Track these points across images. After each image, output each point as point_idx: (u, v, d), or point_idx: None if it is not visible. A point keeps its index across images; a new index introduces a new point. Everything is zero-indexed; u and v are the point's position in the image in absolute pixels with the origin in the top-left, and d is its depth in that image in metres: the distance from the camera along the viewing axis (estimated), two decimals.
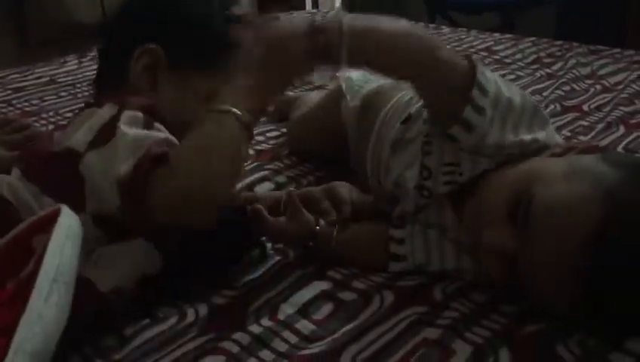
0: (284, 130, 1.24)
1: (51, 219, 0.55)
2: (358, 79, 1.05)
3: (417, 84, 0.78)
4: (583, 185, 0.64)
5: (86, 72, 1.66)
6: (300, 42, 0.70)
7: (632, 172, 0.66)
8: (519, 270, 0.67)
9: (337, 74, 1.06)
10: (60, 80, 1.60)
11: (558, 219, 0.64)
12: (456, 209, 0.79)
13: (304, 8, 3.30)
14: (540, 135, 0.76)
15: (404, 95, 0.92)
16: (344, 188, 0.87)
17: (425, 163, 0.80)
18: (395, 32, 0.74)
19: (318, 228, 0.82)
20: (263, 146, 1.18)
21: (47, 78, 1.61)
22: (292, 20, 0.73)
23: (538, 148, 0.76)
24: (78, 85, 1.54)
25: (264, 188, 1.03)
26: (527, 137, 0.75)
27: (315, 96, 1.23)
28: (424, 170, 0.80)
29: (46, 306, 0.49)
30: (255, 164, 1.11)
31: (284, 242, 0.85)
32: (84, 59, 1.75)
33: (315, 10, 2.70)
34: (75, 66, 1.70)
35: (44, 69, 1.67)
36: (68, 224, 0.54)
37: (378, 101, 0.96)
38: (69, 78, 1.61)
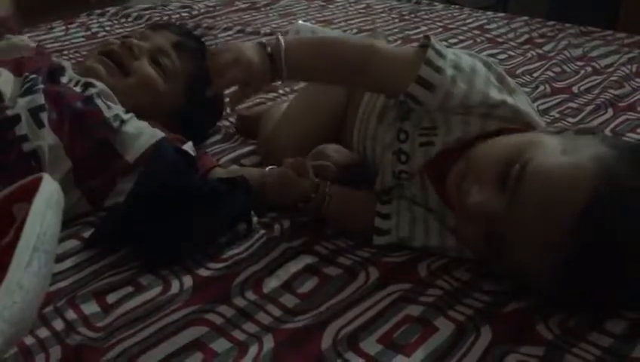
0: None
1: (32, 188, 0.54)
2: None
3: (364, 79, 0.80)
4: (581, 157, 0.64)
5: (73, 38, 1.63)
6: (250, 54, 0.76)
7: (630, 153, 0.65)
8: (502, 237, 0.66)
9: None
10: (47, 46, 1.57)
11: (550, 185, 0.63)
12: (438, 190, 0.79)
13: None
14: (510, 100, 0.75)
15: None
16: (330, 148, 0.88)
17: (402, 127, 0.81)
18: (326, 41, 0.82)
19: (317, 180, 0.83)
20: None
21: (34, 44, 1.58)
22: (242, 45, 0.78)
23: (513, 119, 0.75)
24: (65, 52, 1.51)
25: (252, 161, 1.03)
26: (497, 97, 0.75)
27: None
28: (401, 133, 0.81)
29: (26, 275, 0.49)
30: (243, 137, 1.11)
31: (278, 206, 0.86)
32: (71, 26, 1.72)
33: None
34: (62, 33, 1.67)
35: (30, 35, 1.63)
36: (49, 192, 0.54)
37: None
38: (57, 45, 1.58)
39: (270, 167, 0.88)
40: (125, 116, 0.90)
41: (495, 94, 0.75)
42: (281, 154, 0.89)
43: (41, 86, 0.87)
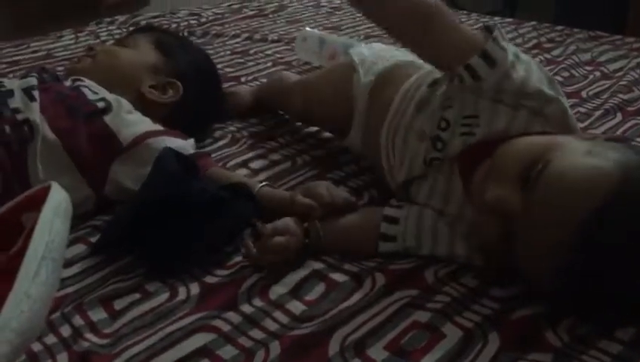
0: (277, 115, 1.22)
1: (41, 196, 0.54)
2: (371, 55, 1.05)
3: (428, 40, 0.79)
4: (603, 161, 0.63)
5: (82, 46, 1.64)
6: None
7: None
8: (515, 236, 0.66)
9: (349, 51, 1.09)
10: (57, 54, 1.58)
11: (567, 187, 0.62)
12: (465, 182, 0.78)
13: None
14: (562, 98, 0.76)
15: (426, 71, 0.92)
16: (322, 186, 0.86)
17: (444, 116, 0.81)
18: None
19: (305, 224, 0.81)
20: (258, 128, 1.18)
21: (44, 52, 1.59)
22: None
23: (557, 118, 0.75)
24: (75, 59, 1.52)
25: (259, 165, 1.03)
26: (551, 92, 0.75)
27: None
28: (442, 121, 0.80)
29: (33, 284, 0.49)
30: (250, 142, 1.11)
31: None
32: (80, 34, 1.74)
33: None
34: (72, 41, 1.68)
35: (39, 43, 1.65)
36: (57, 201, 0.54)
37: (396, 77, 0.96)
38: (67, 53, 1.59)
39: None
40: (124, 106, 0.93)
41: (548, 90, 0.76)
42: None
43: (35, 74, 0.95)
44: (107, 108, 0.91)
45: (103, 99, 0.92)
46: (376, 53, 1.05)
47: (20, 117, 0.86)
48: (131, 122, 0.92)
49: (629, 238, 0.60)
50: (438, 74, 0.87)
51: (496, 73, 0.75)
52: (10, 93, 0.89)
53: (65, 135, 0.87)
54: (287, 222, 0.80)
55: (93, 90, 0.94)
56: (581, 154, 0.65)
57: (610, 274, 0.61)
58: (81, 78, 0.98)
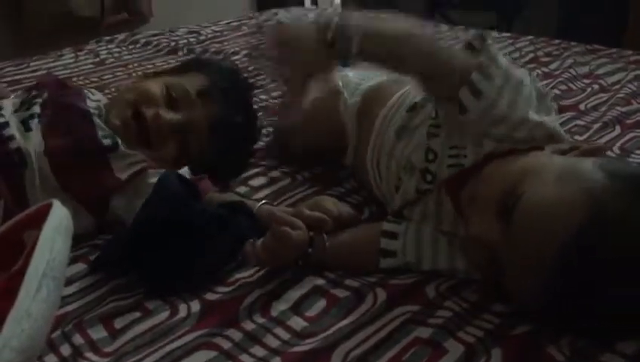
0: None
1: (42, 214, 0.54)
2: (355, 76, 1.04)
3: (421, 80, 0.79)
4: (572, 190, 0.64)
5: (82, 65, 1.65)
6: (312, 39, 0.76)
7: (627, 185, 0.64)
8: (501, 265, 0.67)
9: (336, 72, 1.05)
10: (56, 73, 1.59)
11: (539, 221, 0.64)
12: (455, 203, 0.78)
13: (303, 5, 3.29)
14: (548, 120, 0.76)
15: (409, 88, 0.92)
16: (328, 201, 0.86)
17: (431, 146, 0.81)
18: (396, 32, 0.78)
19: (311, 233, 0.80)
20: (258, 145, 1.18)
21: (44, 71, 1.60)
22: (298, 20, 0.77)
23: (543, 138, 0.75)
24: (74, 79, 1.53)
25: (259, 183, 1.03)
26: (535, 118, 0.75)
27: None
28: (430, 152, 0.81)
29: (34, 302, 0.49)
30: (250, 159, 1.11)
31: (274, 265, 0.81)
32: (80, 53, 1.75)
33: (313, 7, 2.69)
34: (72, 60, 1.69)
35: (40, 62, 1.66)
36: (59, 219, 0.54)
37: (381, 95, 0.96)
38: (66, 72, 1.60)
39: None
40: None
41: (534, 115, 0.75)
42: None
43: (40, 100, 0.93)
44: (113, 147, 0.89)
45: (110, 136, 0.90)
46: (361, 73, 1.04)
47: (12, 145, 0.86)
48: (133, 161, 0.90)
49: (603, 260, 0.61)
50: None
51: (482, 103, 0.74)
52: (6, 124, 0.88)
53: (62, 171, 0.86)
54: (296, 220, 0.80)
55: (101, 126, 0.92)
56: (552, 182, 0.66)
57: (590, 292, 0.62)
58: (98, 97, 0.97)
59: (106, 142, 0.89)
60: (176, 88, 0.98)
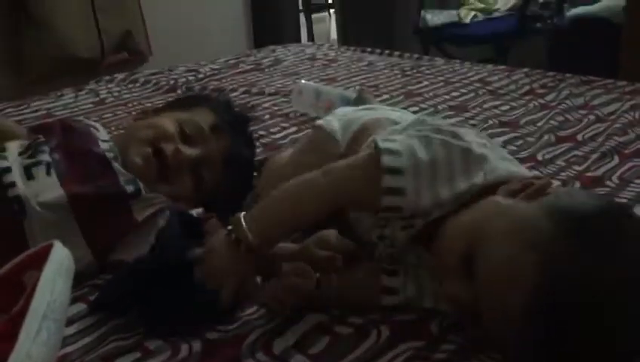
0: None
1: (43, 255, 0.54)
2: (340, 126, 1.03)
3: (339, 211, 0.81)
4: (519, 249, 0.63)
5: (82, 105, 1.67)
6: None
7: (572, 226, 0.63)
8: (478, 311, 0.67)
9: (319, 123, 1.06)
10: (56, 113, 1.60)
11: (496, 282, 0.64)
12: (433, 253, 0.77)
13: (300, 41, 3.34)
14: (478, 177, 0.74)
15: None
16: (332, 236, 0.85)
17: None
18: (282, 197, 0.80)
19: (318, 275, 0.80)
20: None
21: (44, 111, 1.61)
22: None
23: (493, 184, 0.74)
24: (75, 118, 1.54)
25: None
26: (464, 186, 0.74)
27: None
28: (381, 219, 0.80)
29: (35, 345, 0.49)
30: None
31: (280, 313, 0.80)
32: (80, 92, 1.76)
33: (310, 43, 2.73)
34: (72, 100, 1.71)
35: (40, 103, 1.67)
36: (60, 260, 0.54)
37: (364, 137, 0.95)
38: (66, 112, 1.62)
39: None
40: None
41: (461, 184, 0.74)
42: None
43: (48, 147, 0.92)
44: (136, 193, 0.90)
45: (132, 182, 0.90)
46: (344, 120, 1.04)
47: (11, 193, 0.85)
48: (153, 203, 0.91)
49: (566, 308, 0.60)
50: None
51: (409, 196, 0.74)
52: (8, 169, 0.88)
53: (83, 218, 0.86)
54: (306, 268, 0.79)
55: (121, 171, 0.92)
56: (501, 239, 0.65)
57: (564, 339, 0.61)
58: (104, 135, 0.97)
59: (129, 188, 0.90)
60: (189, 125, 1.01)
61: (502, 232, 0.66)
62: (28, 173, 0.88)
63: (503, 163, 0.77)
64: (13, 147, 0.93)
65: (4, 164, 0.88)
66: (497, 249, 0.65)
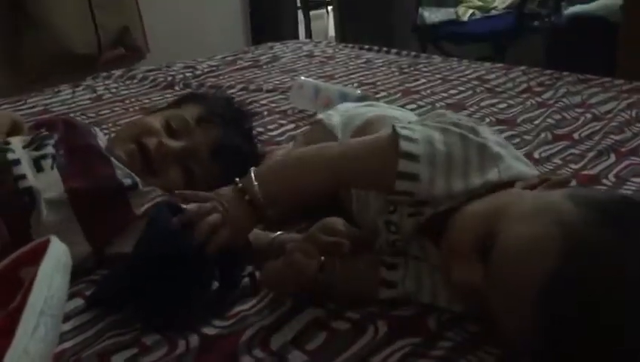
0: None
1: (40, 251, 0.54)
2: (341, 121, 1.04)
3: (348, 186, 0.81)
4: (545, 224, 0.63)
5: (79, 101, 1.66)
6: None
7: (596, 212, 0.63)
8: (487, 299, 0.66)
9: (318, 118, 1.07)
10: (53, 109, 1.60)
11: (517, 262, 0.63)
12: (438, 245, 0.77)
13: (298, 38, 3.33)
14: (492, 174, 0.75)
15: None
16: (339, 223, 0.85)
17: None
18: (294, 158, 0.81)
19: (323, 258, 0.79)
20: None
21: (41, 108, 1.61)
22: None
23: (509, 181, 0.74)
24: (72, 114, 1.54)
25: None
26: (478, 182, 0.74)
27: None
28: (390, 204, 0.80)
29: (32, 341, 0.49)
30: None
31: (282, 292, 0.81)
32: (77, 89, 1.76)
33: (308, 40, 2.73)
34: (69, 96, 1.71)
35: (37, 99, 1.67)
36: (57, 255, 0.54)
37: (368, 133, 0.94)
38: (63, 108, 1.61)
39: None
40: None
41: (476, 179, 0.74)
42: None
43: (53, 141, 0.92)
44: (133, 186, 0.90)
45: (129, 176, 0.91)
46: (345, 115, 1.04)
47: (22, 184, 0.85)
48: (151, 197, 0.91)
49: (586, 291, 0.60)
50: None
51: (423, 183, 0.74)
52: (17, 161, 0.88)
53: (82, 212, 0.86)
54: (310, 247, 0.79)
55: (119, 166, 0.92)
56: (525, 219, 0.65)
57: (579, 328, 0.60)
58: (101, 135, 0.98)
59: (126, 181, 0.90)
60: (174, 119, 1.03)
61: (525, 212, 0.66)
62: (37, 165, 0.88)
63: (517, 163, 0.78)
64: (17, 141, 0.94)
65: (13, 156, 0.88)
66: (520, 227, 0.65)
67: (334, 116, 1.05)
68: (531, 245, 0.63)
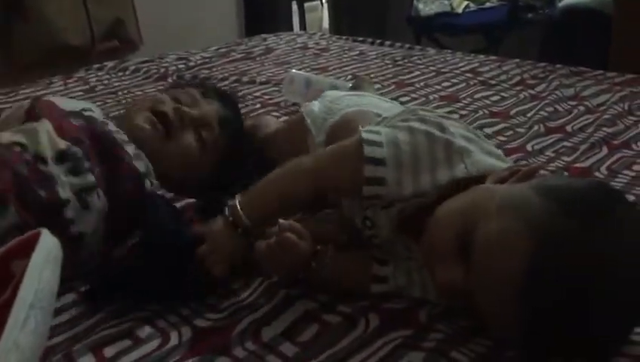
0: None
1: (31, 243, 0.54)
2: (321, 111, 1.04)
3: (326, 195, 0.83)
4: (510, 221, 0.64)
5: (72, 93, 1.66)
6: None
7: (562, 203, 0.64)
8: (472, 295, 0.67)
9: (300, 108, 1.10)
10: None
11: (494, 257, 0.64)
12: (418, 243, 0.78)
13: (292, 30, 3.32)
14: (459, 169, 0.75)
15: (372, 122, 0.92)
16: (334, 215, 0.87)
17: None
18: (271, 180, 0.82)
19: (319, 247, 0.81)
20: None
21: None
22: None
23: (480, 176, 0.75)
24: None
25: None
26: (445, 177, 0.75)
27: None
28: (364, 202, 0.81)
29: (22, 334, 0.49)
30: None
31: (276, 271, 0.83)
32: (69, 80, 1.75)
33: (302, 32, 2.72)
34: (61, 87, 1.70)
35: (29, 90, 1.66)
36: (48, 248, 0.54)
37: (343, 131, 0.94)
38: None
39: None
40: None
41: (442, 175, 0.75)
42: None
43: (88, 163, 0.87)
44: (147, 173, 0.92)
45: (139, 156, 0.93)
46: (327, 106, 1.05)
47: (73, 229, 0.83)
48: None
49: (563, 279, 0.61)
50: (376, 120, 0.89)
51: (390, 186, 0.75)
52: (67, 202, 0.82)
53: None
54: (303, 230, 0.80)
55: (135, 153, 0.93)
56: (494, 217, 0.66)
57: (561, 315, 0.62)
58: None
59: (141, 167, 0.92)
60: (182, 95, 1.08)
61: (492, 209, 0.66)
62: (82, 202, 0.84)
63: (486, 157, 0.78)
64: (47, 150, 0.85)
65: (63, 194, 0.82)
66: (489, 224, 0.65)
67: (315, 107, 1.06)
68: (501, 242, 0.64)
